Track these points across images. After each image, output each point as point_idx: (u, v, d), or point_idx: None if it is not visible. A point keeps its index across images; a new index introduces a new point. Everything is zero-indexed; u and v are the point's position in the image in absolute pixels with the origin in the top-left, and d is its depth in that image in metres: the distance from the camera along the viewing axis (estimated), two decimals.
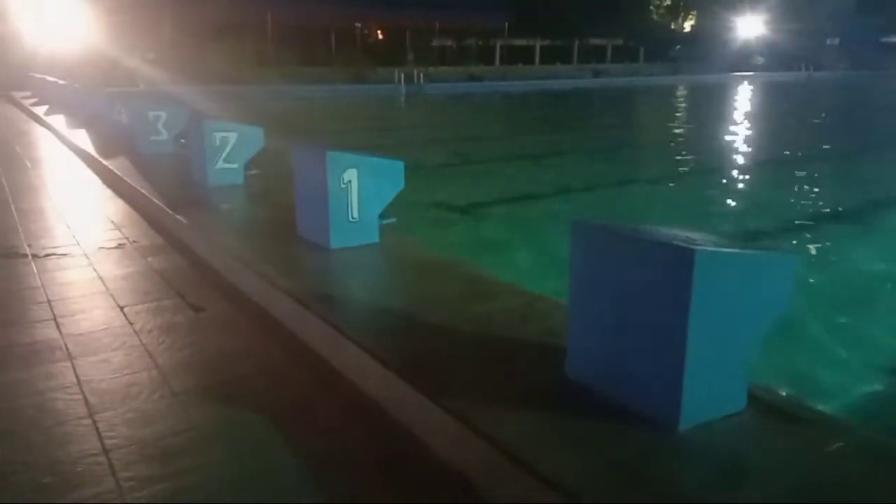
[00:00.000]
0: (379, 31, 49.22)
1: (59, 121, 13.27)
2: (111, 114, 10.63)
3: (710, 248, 2.21)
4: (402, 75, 34.91)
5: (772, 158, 13.26)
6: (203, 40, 33.27)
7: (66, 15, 28.42)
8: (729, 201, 9.53)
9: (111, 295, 4.12)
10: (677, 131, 18.71)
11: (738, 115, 23.28)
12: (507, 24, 49.03)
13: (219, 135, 6.36)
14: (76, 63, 26.94)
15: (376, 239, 4.57)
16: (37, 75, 21.76)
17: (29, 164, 9.29)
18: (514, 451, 2.18)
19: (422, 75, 35.67)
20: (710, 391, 2.29)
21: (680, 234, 2.43)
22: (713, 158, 12.93)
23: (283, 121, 16.49)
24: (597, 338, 2.51)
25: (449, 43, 49.14)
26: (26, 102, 18.53)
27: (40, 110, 15.82)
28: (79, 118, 13.02)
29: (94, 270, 4.59)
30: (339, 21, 43.17)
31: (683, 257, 2.14)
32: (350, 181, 4.46)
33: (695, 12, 61.56)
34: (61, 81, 17.04)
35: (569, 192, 9.50)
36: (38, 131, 13.21)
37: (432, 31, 47.52)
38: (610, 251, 2.44)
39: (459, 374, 2.76)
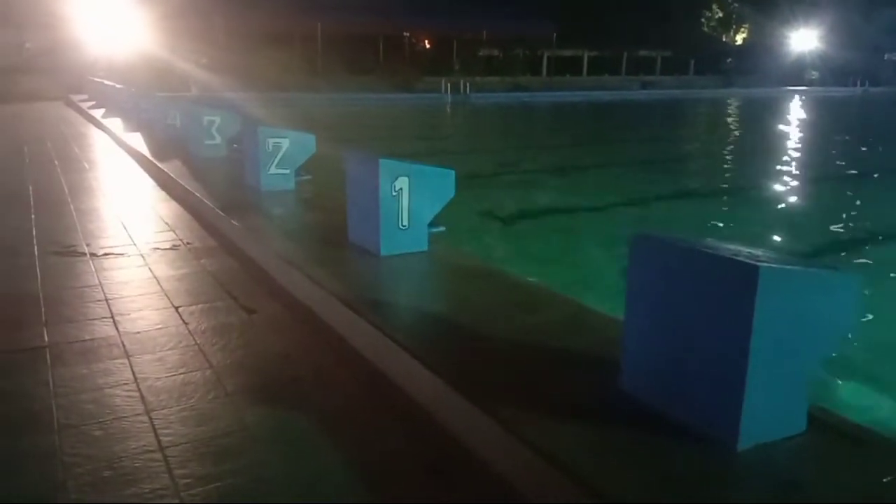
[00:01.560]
0: (426, 41, 49.56)
1: (115, 124, 13.65)
2: (165, 118, 10.89)
3: (774, 265, 2.16)
4: (449, 85, 35.07)
5: (827, 175, 12.95)
6: (254, 47, 33.94)
7: (123, 21, 29.27)
8: (783, 217, 9.33)
9: (166, 295, 4.21)
10: (729, 145, 18.41)
11: (791, 130, 22.78)
12: (554, 34, 48.91)
13: (272, 141, 6.47)
14: (132, 67, 27.75)
15: (425, 247, 4.58)
16: (94, 79, 22.44)
17: (87, 166, 9.57)
18: (564, 462, 2.16)
19: (468, 85, 35.77)
20: (770, 411, 2.24)
21: (742, 249, 2.39)
22: (765, 173, 12.67)
23: (330, 128, 16.68)
24: (654, 352, 2.48)
25: (496, 53, 49.18)
26: (84, 105, 19.11)
27: (97, 113, 16.29)
28: (134, 121, 13.39)
29: (150, 270, 4.70)
30: (388, 30, 43.62)
31: (747, 273, 2.10)
32: (401, 189, 4.49)
33: (747, 25, 60.56)
34: (118, 85, 17.54)
35: (616, 205, 9.41)
36: (95, 133, 13.61)
37: (479, 42, 47.67)
38: (670, 265, 2.40)
39: (508, 383, 2.75)
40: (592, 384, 2.71)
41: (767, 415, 2.23)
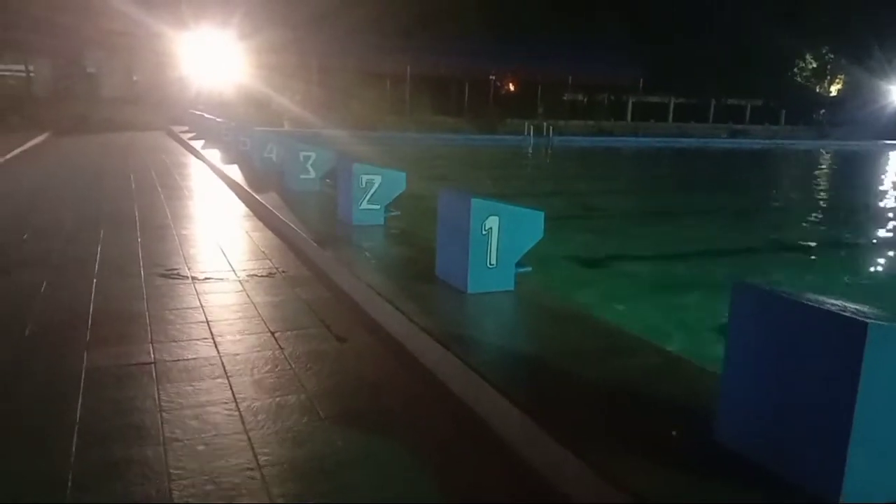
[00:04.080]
0: (511, 84, 50.16)
1: (213, 155, 14.35)
2: (263, 151, 11.39)
3: (883, 322, 2.11)
4: (532, 127, 35.29)
5: None
6: (346, 86, 35.14)
7: (224, 56, 30.88)
8: (882, 274, 8.91)
9: (263, 320, 4.39)
10: (821, 198, 17.78)
11: (889, 185, 21.83)
12: (640, 80, 48.67)
13: (365, 177, 6.69)
14: (230, 101, 29.18)
15: (512, 286, 4.63)
16: (195, 112, 23.70)
17: (187, 193, 10.09)
18: None
19: (551, 128, 35.89)
20: (876, 472, 2.16)
21: (847, 304, 2.34)
22: (861, 229, 12.18)
23: (416, 167, 17.04)
24: (753, 403, 2.44)
25: (580, 97, 49.28)
26: (185, 136, 20.18)
27: (197, 144, 17.18)
28: (232, 153, 14.05)
29: (247, 296, 4.91)
30: (474, 73, 44.37)
31: (855, 329, 2.06)
32: (491, 228, 4.57)
33: (842, 77, 58.68)
34: (218, 119, 18.46)
35: (704, 254, 9.22)
36: (195, 164, 14.34)
37: (564, 86, 47.89)
38: (773, 317, 2.37)
39: (597, 426, 2.75)
40: (685, 432, 2.67)
41: (873, 476, 2.16)
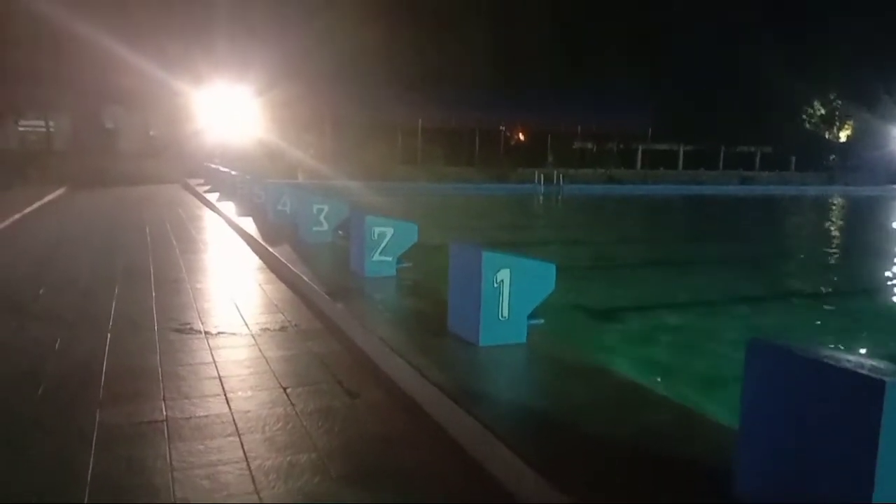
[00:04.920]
0: (521, 134, 50.74)
1: (228, 207, 14.52)
2: (276, 204, 11.53)
3: None
4: (542, 176, 35.54)
5: None
6: (359, 137, 35.69)
7: (238, 109, 31.52)
8: (890, 327, 8.76)
9: (275, 375, 4.39)
10: (834, 246, 17.69)
11: None
12: (649, 128, 49.09)
13: (377, 229, 6.75)
14: (244, 153, 29.64)
15: (524, 339, 4.61)
16: (210, 165, 24.06)
17: (202, 247, 10.19)
18: None
19: (561, 176, 36.13)
20: None
21: (864, 360, 2.32)
22: (875, 278, 12.06)
23: (428, 216, 17.15)
24: (770, 461, 2.40)
25: (589, 146, 49.70)
26: (200, 189, 20.45)
27: (212, 197, 17.40)
28: (246, 206, 14.22)
29: (260, 350, 4.92)
30: (484, 124, 44.98)
31: (874, 388, 2.04)
32: (503, 280, 4.58)
33: (851, 122, 58.95)
34: (233, 172, 18.72)
35: (718, 303, 9.15)
36: (210, 216, 14.50)
37: (573, 135, 48.39)
38: (790, 374, 2.35)
39: (611, 484, 2.71)
40: (703, 491, 2.63)
41: None
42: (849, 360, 2.28)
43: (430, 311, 5.42)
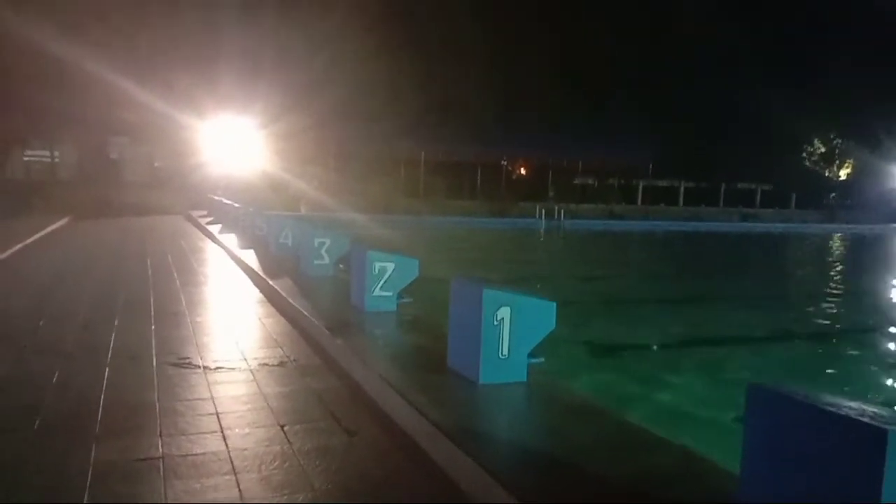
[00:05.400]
0: (522, 169, 51.08)
1: (230, 240, 14.56)
2: (279, 236, 11.56)
3: None
4: (543, 211, 35.68)
5: None
6: (362, 170, 35.95)
7: (242, 142, 31.80)
8: (891, 368, 8.71)
9: (272, 412, 4.36)
10: (835, 284, 17.67)
11: None
12: (650, 164, 49.41)
13: (378, 264, 6.75)
14: (248, 185, 29.84)
15: (524, 378, 4.59)
16: (213, 196, 24.19)
17: (203, 279, 10.19)
18: None
19: (562, 211, 36.26)
20: None
21: (865, 407, 2.31)
22: (875, 316, 12.02)
23: (429, 250, 17.19)
24: None
25: (590, 181, 49.99)
26: (203, 221, 20.53)
27: (214, 229, 17.45)
28: (248, 238, 14.26)
29: (258, 386, 4.89)
30: (486, 158, 45.37)
31: (876, 436, 2.03)
32: (503, 318, 4.57)
33: (851, 161, 59.33)
34: (236, 204, 18.81)
35: (720, 342, 9.13)
36: (212, 248, 14.53)
37: (574, 170, 48.73)
38: (791, 420, 2.34)
39: None
40: None
41: None
42: (850, 407, 2.27)
43: (431, 348, 5.41)
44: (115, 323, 6.80)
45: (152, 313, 7.36)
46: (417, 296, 7.25)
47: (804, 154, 59.10)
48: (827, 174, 59.47)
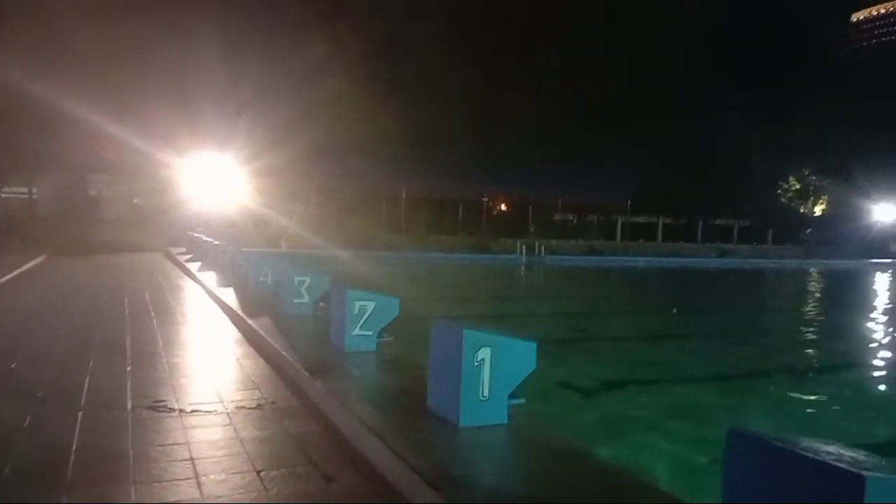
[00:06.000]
0: (503, 205, 51.47)
1: (209, 277, 14.43)
2: (258, 275, 11.48)
3: (880, 475, 2.08)
4: (524, 247, 35.87)
5: None
6: (343, 206, 36.00)
7: (223, 178, 31.74)
8: (868, 406, 8.71)
9: (249, 457, 4.28)
10: (812, 320, 17.83)
11: (876, 305, 21.97)
12: (629, 201, 50.02)
13: (358, 303, 6.72)
14: (227, 223, 29.71)
15: (505, 419, 4.56)
16: (193, 234, 24.03)
17: (181, 318, 10.07)
18: None
19: (543, 247, 36.47)
20: None
21: (843, 452, 2.32)
22: (850, 353, 12.08)
23: (409, 286, 17.17)
24: None
25: (570, 217, 50.47)
26: (182, 258, 20.36)
27: (193, 266, 17.31)
28: (227, 276, 14.14)
29: (235, 430, 4.81)
30: (467, 194, 45.71)
31: (853, 483, 2.03)
32: (483, 359, 4.55)
33: (825, 197, 60.50)
34: (215, 241, 18.69)
35: (699, 380, 9.14)
36: (191, 286, 14.38)
37: (555, 206, 49.19)
38: (771, 465, 2.33)
39: None
40: None
41: None
42: (828, 452, 2.28)
43: (411, 389, 5.37)
44: (91, 364, 6.68)
45: (128, 354, 7.24)
46: (398, 334, 7.22)
47: (780, 191, 60.25)
48: (802, 210, 60.57)
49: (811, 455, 2.23)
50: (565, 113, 47.71)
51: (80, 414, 5.06)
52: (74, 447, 4.35)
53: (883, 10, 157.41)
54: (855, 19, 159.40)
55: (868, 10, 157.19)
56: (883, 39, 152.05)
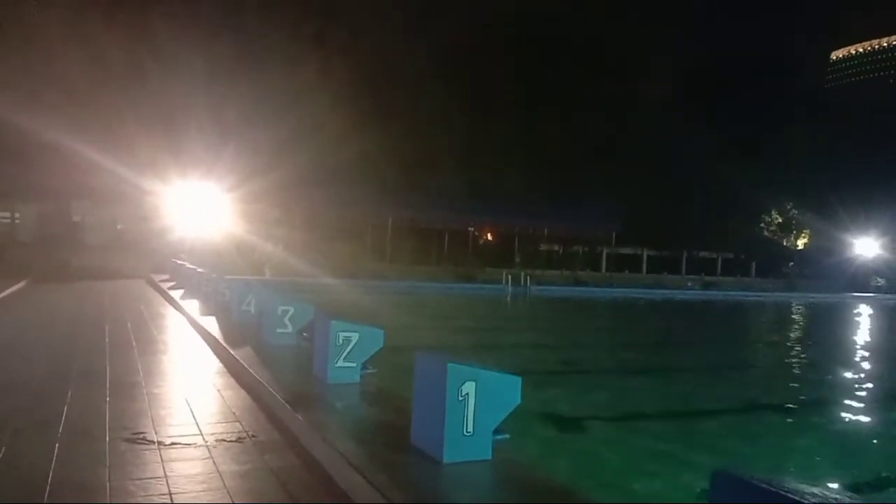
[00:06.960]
0: (489, 235, 51.67)
1: (192, 306, 14.30)
2: (241, 303, 11.39)
3: None
4: (510, 277, 35.92)
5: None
6: (329, 234, 35.97)
7: (207, 206, 31.64)
8: (849, 444, 8.69)
9: (228, 493, 4.21)
10: (794, 354, 17.91)
11: (857, 340, 22.13)
12: (614, 233, 50.37)
13: (342, 334, 6.66)
14: (211, 250, 29.57)
15: (489, 455, 4.51)
16: (176, 261, 23.86)
17: (162, 348, 9.95)
18: None
19: (528, 278, 36.54)
20: None
21: (829, 494, 2.32)
22: (832, 389, 12.11)
23: (394, 315, 17.11)
24: None
25: (556, 248, 50.72)
26: (164, 285, 20.17)
27: (176, 294, 17.14)
28: (210, 304, 13.99)
29: (214, 464, 4.73)
30: (453, 224, 45.84)
31: None
32: (468, 394, 4.51)
33: (807, 231, 61.24)
34: (199, 269, 18.55)
35: (681, 416, 9.13)
36: (173, 315, 14.25)
37: (540, 237, 49.45)
38: None
39: None
40: None
41: None
42: (813, 494, 2.27)
43: (394, 423, 5.31)
44: (69, 394, 6.57)
45: (108, 384, 7.13)
46: (382, 365, 7.16)
47: (763, 224, 60.96)
48: (785, 243, 61.23)
49: (795, 497, 2.22)
50: (552, 143, 48.19)
51: (56, 446, 4.96)
52: (49, 479, 4.26)
53: (861, 49, 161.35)
54: (835, 57, 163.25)
55: (847, 48, 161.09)
56: (862, 77, 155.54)
